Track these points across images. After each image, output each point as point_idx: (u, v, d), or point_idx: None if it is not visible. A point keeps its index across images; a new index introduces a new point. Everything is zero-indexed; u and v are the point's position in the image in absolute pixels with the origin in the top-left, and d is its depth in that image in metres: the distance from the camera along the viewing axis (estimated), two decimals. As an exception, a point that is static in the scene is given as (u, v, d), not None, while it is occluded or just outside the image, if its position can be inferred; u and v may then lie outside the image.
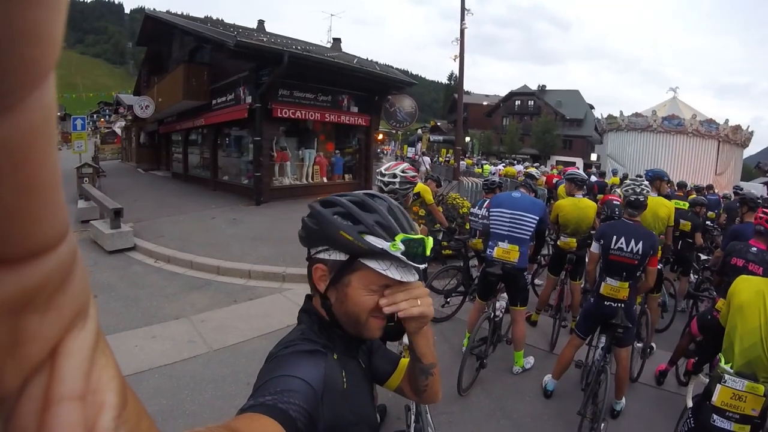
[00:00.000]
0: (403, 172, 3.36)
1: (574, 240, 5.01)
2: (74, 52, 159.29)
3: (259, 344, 4.47)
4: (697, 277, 6.22)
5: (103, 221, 8.18)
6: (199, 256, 7.01)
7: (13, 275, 0.21)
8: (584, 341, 3.82)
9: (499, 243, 4.13)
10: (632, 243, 3.44)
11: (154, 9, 18.50)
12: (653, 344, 4.85)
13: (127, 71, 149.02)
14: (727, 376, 2.20)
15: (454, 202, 8.32)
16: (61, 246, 0.23)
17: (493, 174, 15.60)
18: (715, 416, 2.23)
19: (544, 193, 10.60)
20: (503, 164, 22.47)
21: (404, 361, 1.25)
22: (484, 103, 55.25)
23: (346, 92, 13.35)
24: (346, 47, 17.51)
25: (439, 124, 54.80)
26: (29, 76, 0.19)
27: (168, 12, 17.59)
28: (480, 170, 21.21)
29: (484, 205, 5.09)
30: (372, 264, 0.94)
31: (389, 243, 0.92)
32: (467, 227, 6.30)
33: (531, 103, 51.94)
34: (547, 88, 53.62)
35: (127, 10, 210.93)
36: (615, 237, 3.50)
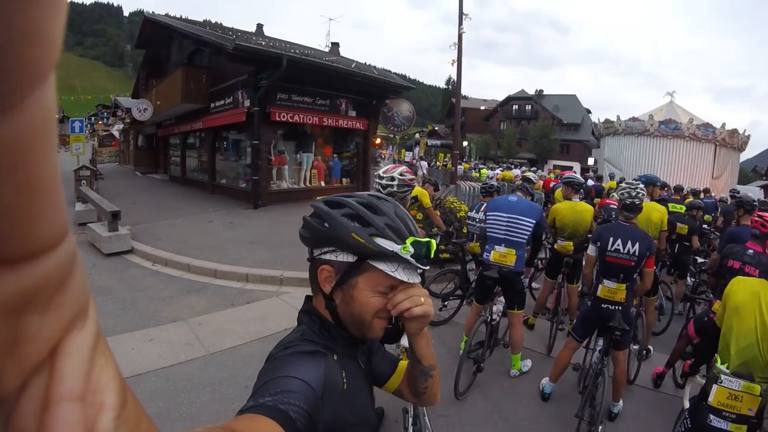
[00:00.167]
0: (401, 175, 3.36)
1: (571, 243, 5.01)
2: (73, 54, 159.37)
3: (256, 347, 4.46)
4: (694, 280, 6.23)
5: (101, 224, 8.16)
6: (197, 259, 6.99)
7: (13, 275, 0.21)
8: (581, 344, 3.83)
9: (496, 247, 4.13)
10: (629, 244, 3.46)
11: (153, 12, 18.46)
12: (650, 347, 4.86)
13: (125, 74, 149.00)
14: (723, 377, 2.22)
15: (452, 206, 8.31)
16: (60, 246, 0.24)
17: (491, 178, 15.65)
18: (711, 416, 2.24)
19: (541, 197, 10.60)
20: (501, 168, 22.54)
21: (403, 364, 1.25)
22: (482, 107, 55.42)
23: (344, 96, 13.37)
24: (344, 51, 17.60)
25: (436, 128, 54.94)
26: (29, 76, 0.19)
27: (167, 15, 17.62)
28: (477, 174, 21.27)
29: (482, 209, 5.10)
30: (380, 266, 0.95)
31: (400, 246, 0.93)
32: (465, 231, 6.30)
33: (528, 107, 52.12)
34: (544, 93, 53.78)
35: (126, 13, 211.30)
36: (612, 239, 3.52)
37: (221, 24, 17.75)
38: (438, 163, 29.54)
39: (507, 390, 4.06)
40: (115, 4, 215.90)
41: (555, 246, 5.20)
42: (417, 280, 0.98)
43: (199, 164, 16.69)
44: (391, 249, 0.93)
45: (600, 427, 3.19)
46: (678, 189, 9.28)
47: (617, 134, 26.64)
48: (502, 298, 4.34)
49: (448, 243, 5.69)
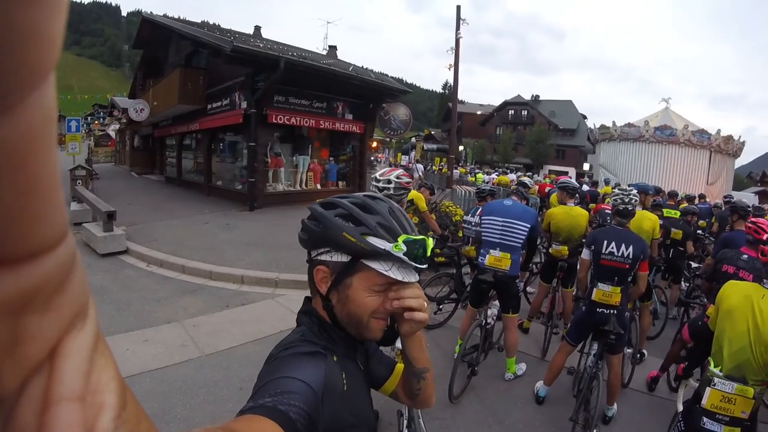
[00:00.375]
0: (397, 178, 3.38)
1: (566, 248, 5.03)
2: (70, 53, 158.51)
3: (251, 349, 4.45)
4: (688, 284, 6.26)
5: (96, 224, 8.12)
6: (192, 260, 6.97)
7: (13, 275, 0.21)
8: (574, 348, 3.84)
9: (491, 251, 4.14)
10: (623, 247, 3.48)
11: (152, 12, 18.41)
12: (644, 351, 4.88)
13: (122, 74, 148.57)
14: (716, 379, 2.23)
15: (448, 209, 8.33)
16: (60, 247, 0.24)
17: (487, 183, 15.67)
18: (705, 419, 2.25)
19: (536, 202, 10.64)
20: (496, 173, 22.58)
21: (400, 366, 1.25)
22: (479, 112, 55.48)
23: (341, 99, 13.39)
24: (342, 55, 17.59)
25: (433, 132, 55.04)
26: (29, 76, 0.19)
27: (165, 16, 17.56)
28: (473, 179, 21.30)
29: (477, 213, 5.11)
30: (374, 265, 0.94)
31: (392, 244, 0.93)
32: (460, 235, 6.31)
33: (525, 112, 52.27)
34: (540, 98, 53.99)
35: (124, 13, 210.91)
36: (606, 242, 3.54)
37: (219, 25, 17.71)
38: (434, 167, 29.57)
39: (502, 393, 4.07)
40: (113, 4, 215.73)
41: (550, 250, 5.22)
42: (413, 279, 0.98)
43: (195, 165, 16.65)
44: (383, 247, 0.92)
45: (594, 431, 3.19)
46: (672, 195, 9.33)
47: (613, 140, 26.82)
48: (496, 302, 4.35)
49: (443, 247, 5.69)
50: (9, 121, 0.19)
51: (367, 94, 13.81)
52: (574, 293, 5.10)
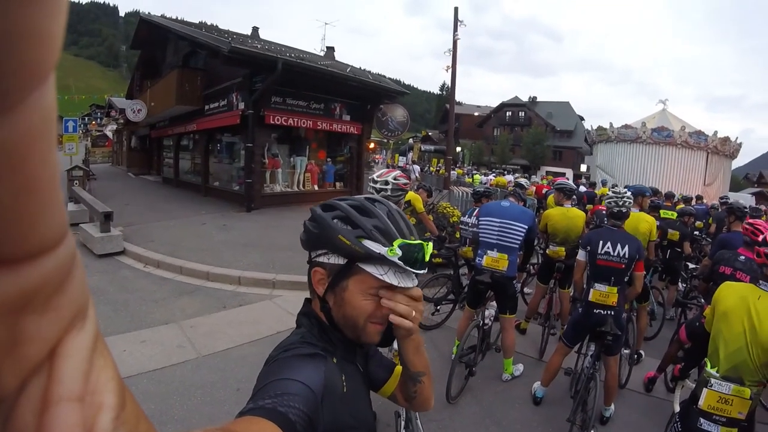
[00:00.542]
0: (395, 179, 3.39)
1: (563, 249, 5.04)
2: (68, 53, 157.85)
3: (248, 350, 4.44)
4: (685, 285, 6.28)
5: (93, 224, 8.10)
6: (189, 261, 6.95)
7: (12, 276, 0.21)
8: (571, 349, 3.84)
9: (488, 252, 4.14)
10: (618, 247, 3.50)
11: (149, 13, 18.39)
12: (642, 352, 4.89)
13: (120, 74, 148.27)
14: (713, 380, 2.23)
15: (445, 211, 8.34)
16: (59, 247, 0.23)
17: (484, 184, 15.69)
18: (702, 420, 2.25)
19: (533, 203, 10.65)
20: (494, 174, 22.63)
21: (399, 368, 1.24)
22: (476, 113, 55.61)
23: (338, 100, 13.38)
24: (339, 56, 17.60)
25: (430, 133, 55.04)
26: (29, 76, 0.19)
27: (163, 16, 17.56)
28: (470, 180, 21.33)
29: (474, 214, 5.11)
30: (370, 268, 0.94)
31: (387, 248, 0.92)
32: (457, 236, 6.31)
33: (522, 114, 52.33)
34: (538, 100, 54.06)
35: (121, 13, 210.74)
36: (601, 242, 3.55)
37: (217, 26, 17.71)
38: (431, 169, 29.59)
39: (499, 394, 4.07)
40: (111, 4, 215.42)
41: (547, 251, 5.23)
42: (410, 284, 0.97)
43: (192, 166, 16.61)
44: (377, 251, 0.92)
45: (592, 431, 3.20)
46: (669, 196, 9.35)
47: (610, 141, 26.83)
48: (494, 303, 4.36)
49: (441, 248, 5.70)
50: (9, 121, 0.19)
51: (364, 96, 13.81)
52: (571, 294, 5.12)
